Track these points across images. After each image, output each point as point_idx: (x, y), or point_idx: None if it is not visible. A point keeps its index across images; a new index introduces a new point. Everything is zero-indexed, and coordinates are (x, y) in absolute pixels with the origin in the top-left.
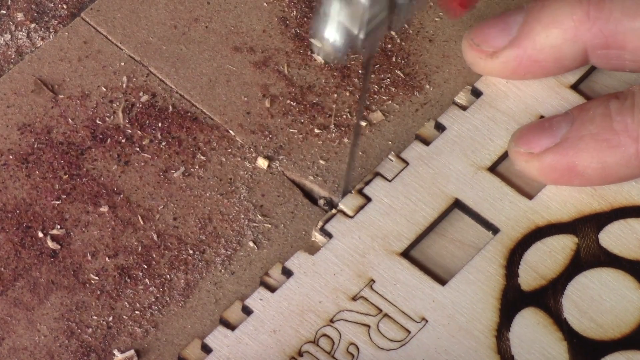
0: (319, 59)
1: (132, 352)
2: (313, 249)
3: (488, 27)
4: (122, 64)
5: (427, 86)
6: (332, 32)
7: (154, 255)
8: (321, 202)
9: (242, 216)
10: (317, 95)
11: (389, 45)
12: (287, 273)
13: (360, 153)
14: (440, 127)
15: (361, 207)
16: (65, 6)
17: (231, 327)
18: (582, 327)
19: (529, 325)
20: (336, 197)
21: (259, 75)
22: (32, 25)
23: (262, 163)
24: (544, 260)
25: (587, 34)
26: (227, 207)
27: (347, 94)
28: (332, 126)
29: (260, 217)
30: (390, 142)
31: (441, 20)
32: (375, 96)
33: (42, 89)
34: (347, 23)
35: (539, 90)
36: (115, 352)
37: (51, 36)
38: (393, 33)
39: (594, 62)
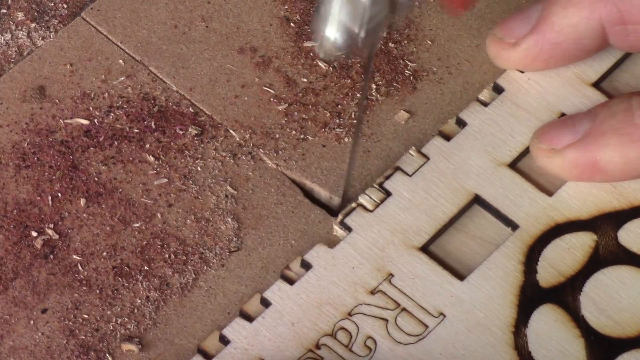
0: (320, 59)
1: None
2: (332, 242)
3: (510, 21)
4: (123, 63)
5: (427, 86)
6: (332, 30)
7: (152, 255)
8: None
9: (242, 215)
10: (318, 95)
11: (390, 45)
12: (306, 266)
13: (360, 153)
14: (461, 123)
15: (381, 202)
16: (65, 6)
17: (249, 319)
18: (599, 324)
19: (547, 322)
20: (337, 196)
21: (259, 75)
22: (33, 25)
23: (262, 162)
24: (563, 257)
25: (603, 10)
26: (226, 206)
27: (348, 93)
28: (333, 126)
29: (260, 217)
30: (390, 142)
31: (442, 20)
32: (375, 96)
33: (41, 90)
34: (347, 21)
35: (560, 87)
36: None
37: (51, 36)
38: (393, 33)
39: (613, 41)
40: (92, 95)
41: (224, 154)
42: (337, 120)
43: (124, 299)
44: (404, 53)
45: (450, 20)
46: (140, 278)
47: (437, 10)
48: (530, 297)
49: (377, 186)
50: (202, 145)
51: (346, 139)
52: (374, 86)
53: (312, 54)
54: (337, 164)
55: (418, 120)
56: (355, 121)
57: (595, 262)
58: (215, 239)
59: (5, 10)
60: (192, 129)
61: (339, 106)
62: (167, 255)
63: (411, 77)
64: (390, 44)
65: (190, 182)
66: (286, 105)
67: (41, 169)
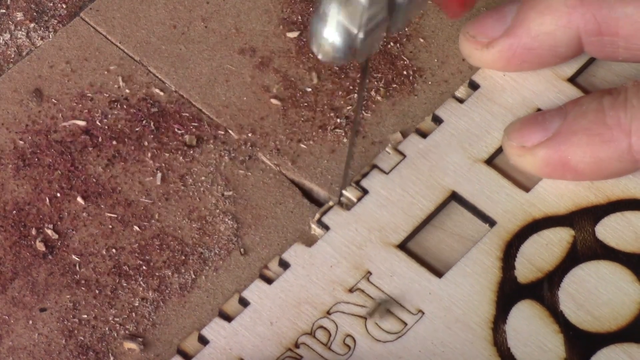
0: (319, 59)
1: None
2: (310, 241)
3: (483, 19)
4: (122, 63)
5: (426, 86)
6: (331, 32)
7: (152, 255)
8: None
9: (241, 215)
10: (316, 95)
11: (389, 45)
12: (284, 265)
13: (359, 153)
14: (437, 120)
15: (358, 199)
16: (64, 6)
17: (228, 318)
18: (578, 319)
19: (526, 318)
20: (335, 196)
21: (258, 75)
22: (32, 25)
23: (261, 162)
24: (541, 252)
25: (581, 19)
26: (225, 206)
27: (346, 94)
28: (331, 126)
29: (259, 217)
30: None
31: (441, 20)
32: (374, 96)
33: (40, 90)
34: (346, 23)
35: (536, 83)
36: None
37: (50, 36)
38: (393, 34)
39: (588, 50)
40: (91, 96)
41: (222, 154)
42: (336, 121)
43: (122, 299)
44: (403, 53)
45: (449, 20)
46: (139, 278)
47: (437, 10)
48: (509, 293)
49: (354, 184)
50: (201, 145)
51: (345, 139)
52: (372, 87)
53: (311, 55)
54: (336, 164)
55: (418, 120)
56: (353, 121)
57: (573, 258)
58: (214, 239)
59: (4, 10)
60: (191, 130)
61: (338, 107)
62: (166, 256)
63: (410, 78)
64: (389, 44)
65: (189, 182)
66: (285, 105)
67: (40, 169)
